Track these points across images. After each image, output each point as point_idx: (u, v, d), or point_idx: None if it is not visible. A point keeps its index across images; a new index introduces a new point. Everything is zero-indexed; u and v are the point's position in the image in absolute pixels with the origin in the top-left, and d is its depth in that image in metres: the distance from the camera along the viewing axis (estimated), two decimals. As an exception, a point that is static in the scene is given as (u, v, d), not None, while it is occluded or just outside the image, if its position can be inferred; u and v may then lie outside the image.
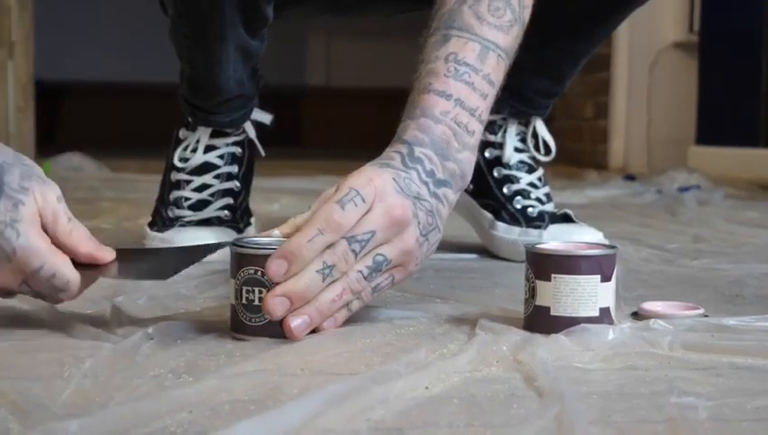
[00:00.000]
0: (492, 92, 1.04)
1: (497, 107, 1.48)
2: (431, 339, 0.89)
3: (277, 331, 0.87)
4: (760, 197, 2.66)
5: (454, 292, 1.14)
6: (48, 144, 3.76)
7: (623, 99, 3.98)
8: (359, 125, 5.41)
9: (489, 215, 1.50)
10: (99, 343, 0.86)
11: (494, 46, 1.04)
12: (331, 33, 5.70)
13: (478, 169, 1.51)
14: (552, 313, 0.90)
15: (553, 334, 0.88)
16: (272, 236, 0.91)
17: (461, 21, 1.04)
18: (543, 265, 0.91)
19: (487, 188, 1.51)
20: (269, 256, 0.87)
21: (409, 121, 1.01)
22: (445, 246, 1.59)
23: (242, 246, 0.89)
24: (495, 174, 1.51)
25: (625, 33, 3.83)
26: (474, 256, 1.49)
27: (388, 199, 0.92)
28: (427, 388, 0.73)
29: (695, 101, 3.65)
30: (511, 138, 1.51)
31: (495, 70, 1.04)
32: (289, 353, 0.82)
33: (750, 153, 3.27)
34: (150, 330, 0.87)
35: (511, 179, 1.50)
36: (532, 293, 0.92)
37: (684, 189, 2.72)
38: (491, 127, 1.51)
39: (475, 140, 1.02)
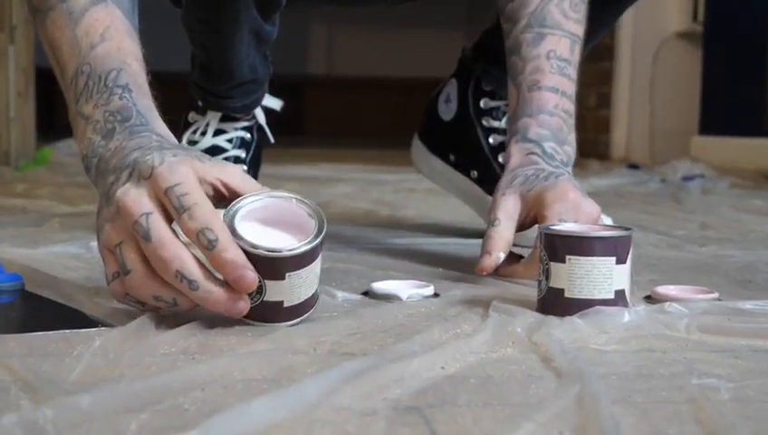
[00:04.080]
0: (576, 76, 1.19)
1: (501, 92, 1.48)
2: (444, 320, 0.88)
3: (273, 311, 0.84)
4: (765, 186, 2.65)
5: (463, 275, 1.13)
6: (49, 130, 3.74)
7: (626, 89, 3.97)
8: (360, 114, 5.40)
9: (495, 201, 1.48)
10: (107, 321, 0.84)
11: (577, 38, 1.19)
12: (333, 21, 5.69)
13: (483, 157, 1.50)
14: (567, 295, 0.89)
15: (568, 317, 0.87)
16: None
17: (551, 19, 1.19)
18: (558, 246, 0.90)
19: (493, 175, 1.49)
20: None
21: (528, 119, 1.16)
22: (449, 232, 1.58)
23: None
24: (501, 160, 1.49)
25: (628, 23, 3.81)
26: (479, 241, 1.47)
27: (585, 208, 1.07)
28: (442, 368, 0.72)
29: (698, 92, 3.64)
30: (508, 127, 1.49)
31: (578, 57, 1.20)
32: (300, 334, 0.81)
33: (754, 143, 3.26)
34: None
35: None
36: (546, 275, 0.90)
37: (688, 178, 2.71)
38: (495, 113, 1.50)
39: (573, 120, 1.18)
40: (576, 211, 1.06)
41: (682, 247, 1.41)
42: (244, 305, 0.80)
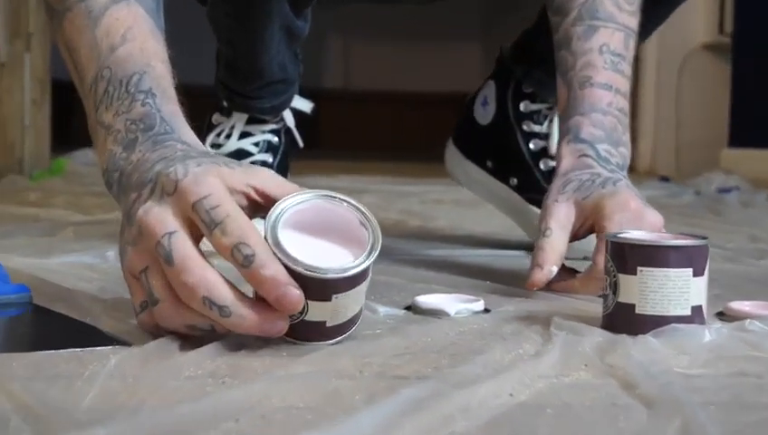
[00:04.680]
0: (631, 72, 1.12)
1: (542, 94, 1.39)
2: (501, 339, 0.79)
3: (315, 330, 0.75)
4: (802, 199, 2.55)
5: (511, 288, 1.04)
6: (66, 139, 3.67)
7: (651, 101, 3.89)
8: (376, 127, 5.33)
9: (537, 210, 1.38)
10: (124, 338, 0.75)
11: (632, 31, 1.12)
12: (349, 35, 5.62)
13: (523, 163, 1.41)
14: (638, 311, 0.79)
15: (640, 335, 0.77)
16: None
17: (604, 11, 1.11)
18: (628, 256, 0.80)
19: (534, 182, 1.40)
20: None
21: (580, 118, 1.08)
22: (486, 243, 1.49)
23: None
24: (542, 166, 1.41)
25: (653, 35, 3.73)
26: (521, 252, 1.38)
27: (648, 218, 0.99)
28: (511, 395, 0.62)
29: (725, 103, 3.56)
30: (557, 128, 1.40)
31: (633, 51, 1.12)
32: (343, 354, 0.72)
33: (788, 155, 3.18)
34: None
35: (560, 171, 1.39)
36: (613, 288, 0.81)
37: (723, 191, 2.63)
38: (536, 116, 1.41)
39: (628, 119, 1.10)
40: (639, 222, 0.98)
41: (739, 260, 1.32)
42: (283, 325, 0.71)
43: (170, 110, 0.82)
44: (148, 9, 0.86)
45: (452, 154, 1.50)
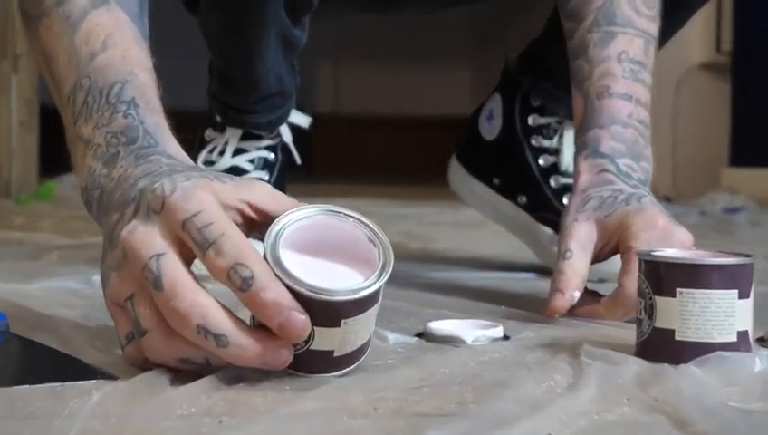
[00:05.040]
0: (651, 81, 1.07)
1: (551, 107, 1.32)
2: (526, 369, 0.71)
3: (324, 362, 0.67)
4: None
5: (527, 313, 0.96)
6: (54, 162, 3.59)
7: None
8: (368, 152, 5.28)
9: (548, 229, 1.32)
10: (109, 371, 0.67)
11: (652, 38, 1.06)
12: (340, 59, 5.58)
13: (532, 179, 1.34)
14: (678, 337, 0.72)
15: (682, 364, 0.70)
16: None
17: (622, 16, 1.04)
18: (665, 277, 0.73)
19: (544, 200, 1.33)
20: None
21: (599, 131, 1.01)
22: (492, 265, 1.42)
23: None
24: (552, 183, 1.33)
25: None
26: (531, 275, 1.31)
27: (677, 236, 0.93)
28: (550, 435, 0.55)
29: (723, 122, 3.52)
30: (569, 142, 1.33)
31: (653, 59, 1.06)
32: (354, 388, 0.64)
33: (792, 174, 3.13)
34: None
35: (571, 189, 1.31)
36: (649, 312, 0.73)
37: (730, 211, 2.57)
38: (545, 131, 1.34)
39: (650, 131, 1.05)
40: (667, 241, 0.91)
41: (764, 282, 1.24)
42: (288, 356, 0.64)
43: (154, 121, 0.75)
44: (131, 14, 0.79)
45: (456, 171, 1.43)
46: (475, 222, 1.96)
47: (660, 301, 0.73)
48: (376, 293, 0.66)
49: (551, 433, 0.55)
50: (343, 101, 5.73)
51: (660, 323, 0.73)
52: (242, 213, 0.68)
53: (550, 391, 0.64)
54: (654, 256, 0.75)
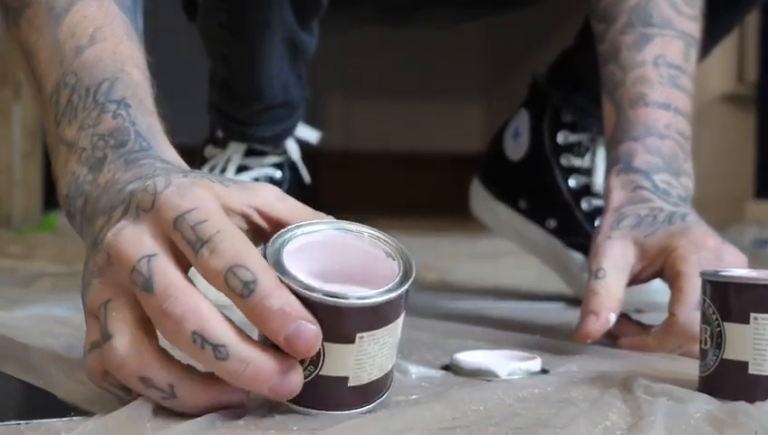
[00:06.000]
0: (692, 88, 0.96)
1: (583, 123, 1.23)
2: (572, 406, 0.61)
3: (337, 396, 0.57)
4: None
5: (564, 344, 0.86)
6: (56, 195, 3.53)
7: (669, 153, 3.76)
8: (378, 189, 5.24)
9: (579, 255, 1.22)
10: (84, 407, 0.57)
11: (693, 41, 0.96)
12: (350, 95, 5.55)
13: (562, 202, 1.24)
14: (752, 370, 0.62)
15: (758, 402, 0.59)
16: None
17: (659, 15, 0.95)
18: (735, 300, 0.62)
19: (575, 224, 1.24)
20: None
21: (633, 144, 0.91)
22: (518, 296, 1.32)
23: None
24: (584, 206, 1.24)
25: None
26: (560, 304, 1.20)
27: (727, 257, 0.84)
28: (617, 488, 0.44)
29: (747, 155, 3.45)
30: (602, 161, 1.23)
31: (694, 63, 0.96)
32: (372, 427, 0.54)
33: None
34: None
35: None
36: (716, 341, 0.63)
37: (761, 243, 2.50)
38: (576, 149, 1.25)
39: (690, 143, 0.95)
40: (719, 263, 0.81)
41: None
42: (298, 381, 0.54)
43: (147, 123, 0.66)
44: (122, 6, 0.71)
45: (478, 194, 1.33)
46: (493, 253, 1.87)
47: (730, 328, 0.62)
48: (397, 302, 0.56)
49: (619, 486, 0.44)
50: (354, 138, 5.67)
51: (730, 354, 0.62)
52: (248, 219, 0.59)
53: (608, 433, 0.54)
54: (723, 276, 0.64)
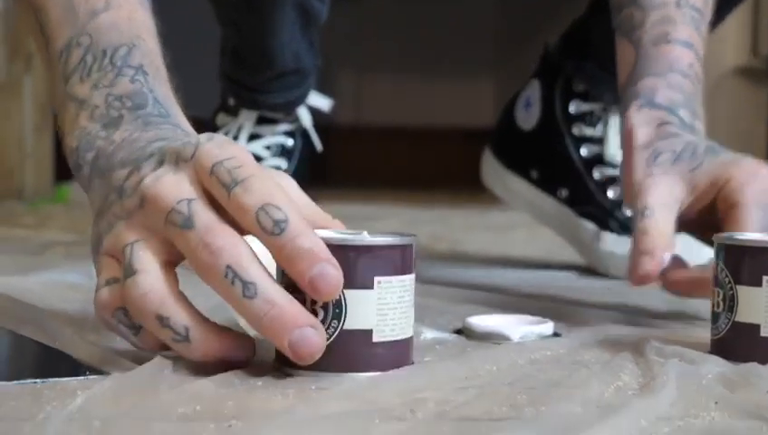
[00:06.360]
0: (707, 38, 0.92)
1: (595, 92, 1.22)
2: (584, 368, 0.61)
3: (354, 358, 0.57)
4: None
5: (573, 308, 0.86)
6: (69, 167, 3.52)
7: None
8: (389, 163, 5.24)
9: (591, 225, 1.21)
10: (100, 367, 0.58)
11: None
12: (362, 70, 5.54)
13: (573, 171, 1.23)
14: (765, 333, 0.62)
15: (770, 363, 0.60)
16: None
17: None
18: (749, 263, 0.62)
19: (587, 194, 1.23)
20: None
21: (654, 79, 0.86)
22: (529, 264, 1.32)
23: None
24: (596, 175, 1.23)
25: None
26: (571, 273, 1.20)
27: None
28: (631, 444, 0.45)
29: (761, 128, 3.42)
30: (614, 130, 1.22)
31: (710, 13, 0.92)
32: (386, 387, 0.54)
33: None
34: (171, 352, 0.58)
35: (617, 180, 1.21)
36: (728, 304, 0.63)
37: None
38: (588, 118, 1.24)
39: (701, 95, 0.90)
40: None
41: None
42: (318, 341, 0.54)
43: (164, 92, 0.67)
44: None
45: (490, 164, 1.32)
46: (505, 225, 1.87)
47: (743, 291, 0.62)
48: (408, 252, 0.58)
49: (632, 442, 0.45)
50: (365, 112, 5.66)
51: (743, 317, 0.62)
52: None
53: (621, 394, 0.54)
54: (736, 239, 0.64)
